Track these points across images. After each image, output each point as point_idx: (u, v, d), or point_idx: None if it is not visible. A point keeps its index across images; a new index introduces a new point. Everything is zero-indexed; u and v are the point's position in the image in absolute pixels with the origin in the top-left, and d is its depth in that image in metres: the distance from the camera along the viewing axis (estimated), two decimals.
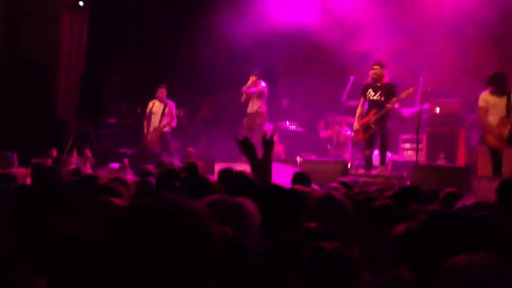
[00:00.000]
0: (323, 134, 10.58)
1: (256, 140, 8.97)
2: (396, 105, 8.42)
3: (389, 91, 8.30)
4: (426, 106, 9.41)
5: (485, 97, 7.73)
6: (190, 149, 9.54)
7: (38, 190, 2.65)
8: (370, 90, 8.43)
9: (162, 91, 9.92)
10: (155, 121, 9.82)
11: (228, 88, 10.51)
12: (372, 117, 8.31)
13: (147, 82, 11.81)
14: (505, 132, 7.59)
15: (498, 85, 7.64)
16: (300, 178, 4.96)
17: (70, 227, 1.95)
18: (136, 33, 12.04)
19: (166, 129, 9.84)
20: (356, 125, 8.57)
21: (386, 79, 8.44)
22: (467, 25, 10.33)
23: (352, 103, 9.24)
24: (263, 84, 9.85)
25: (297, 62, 12.59)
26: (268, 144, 3.76)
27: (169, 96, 10.05)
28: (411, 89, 8.27)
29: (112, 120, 10.83)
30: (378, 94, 8.34)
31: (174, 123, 9.97)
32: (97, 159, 8.60)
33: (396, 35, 10.63)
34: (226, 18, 11.11)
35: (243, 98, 9.87)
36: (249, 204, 2.16)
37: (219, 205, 2.09)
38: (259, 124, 9.68)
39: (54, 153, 7.35)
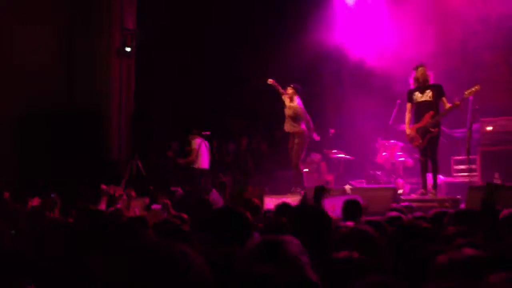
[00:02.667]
0: (379, 159, 10.28)
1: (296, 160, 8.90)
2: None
3: (438, 91, 7.87)
4: (476, 125, 9.14)
5: None
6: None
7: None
8: (416, 93, 8.02)
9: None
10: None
11: (279, 118, 10.39)
12: (429, 119, 7.85)
13: (196, 119, 12.09)
14: None
15: None
16: (350, 206, 4.90)
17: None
18: (182, 71, 12.39)
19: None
20: (409, 131, 8.08)
21: (431, 81, 8.06)
22: None
23: (400, 127, 9.07)
24: (299, 103, 9.05)
25: (343, 88, 12.55)
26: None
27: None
28: (477, 86, 7.72)
29: (163, 160, 11.07)
30: (426, 95, 7.94)
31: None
32: (150, 198, 8.77)
33: (441, 54, 10.48)
34: (279, 48, 11.27)
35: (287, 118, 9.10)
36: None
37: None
38: (298, 143, 9.02)
39: (110, 190, 7.44)
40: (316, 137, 9.35)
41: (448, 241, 2.97)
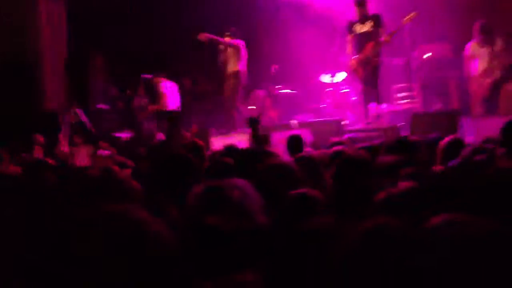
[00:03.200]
0: (325, 93, 10.33)
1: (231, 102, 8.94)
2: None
3: (378, 21, 7.97)
4: (415, 53, 9.30)
5: (473, 47, 7.91)
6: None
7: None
8: (356, 24, 8.11)
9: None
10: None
11: (215, 55, 10.20)
12: (370, 50, 7.96)
13: (134, 62, 11.69)
14: (487, 82, 7.70)
15: (484, 34, 7.69)
16: (293, 141, 4.95)
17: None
18: (117, 10, 11.82)
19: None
20: (352, 63, 8.20)
21: (370, 12, 8.12)
22: None
23: (342, 59, 9.10)
24: (238, 41, 9.18)
25: (278, 22, 12.36)
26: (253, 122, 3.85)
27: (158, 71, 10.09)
28: (413, 13, 7.86)
29: (103, 105, 10.73)
30: (366, 25, 8.02)
31: None
32: (93, 145, 8.54)
33: None
34: None
35: (220, 59, 9.29)
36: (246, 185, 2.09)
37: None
38: (235, 84, 9.11)
39: (41, 139, 7.23)
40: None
41: (387, 172, 3.02)
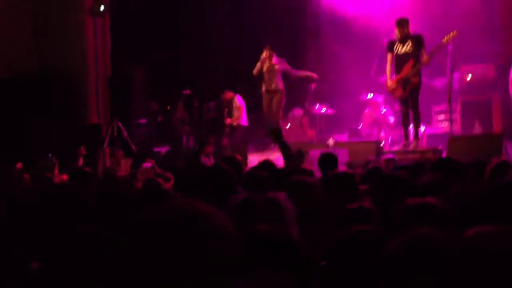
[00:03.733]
0: (363, 114, 10.31)
1: (276, 118, 9.00)
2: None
3: (419, 42, 7.85)
4: (456, 74, 9.16)
5: None
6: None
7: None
8: (397, 44, 8.02)
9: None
10: None
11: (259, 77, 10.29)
12: (410, 69, 7.85)
13: (175, 78, 11.92)
14: None
15: None
16: (326, 159, 4.93)
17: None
18: (158, 29, 12.13)
19: None
20: (390, 83, 8.09)
21: (411, 33, 8.02)
22: None
23: (382, 79, 9.06)
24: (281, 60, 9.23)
25: (322, 43, 12.43)
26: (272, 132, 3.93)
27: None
28: (454, 32, 7.71)
29: (143, 120, 10.96)
30: (407, 46, 7.92)
31: None
32: (132, 160, 8.72)
33: (421, 5, 10.39)
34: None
35: (255, 70, 9.19)
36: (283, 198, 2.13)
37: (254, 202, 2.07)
38: (279, 100, 9.14)
39: (83, 151, 7.46)
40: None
41: (432, 190, 3.00)
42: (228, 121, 10.26)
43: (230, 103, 10.28)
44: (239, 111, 10.05)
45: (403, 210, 2.26)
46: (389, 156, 7.64)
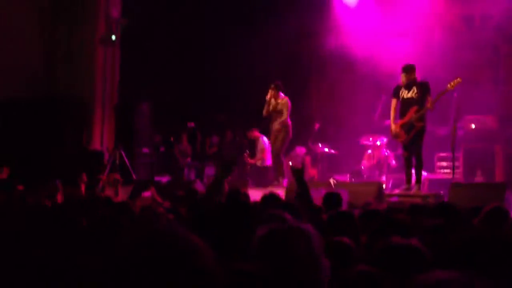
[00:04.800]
0: (365, 156, 10.34)
1: (277, 152, 9.00)
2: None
3: (424, 89, 7.90)
4: (459, 123, 9.22)
5: None
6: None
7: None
8: (402, 89, 8.06)
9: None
10: None
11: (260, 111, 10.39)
12: (413, 115, 7.88)
13: (180, 110, 12.04)
14: None
15: None
16: (331, 198, 4.93)
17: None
18: (167, 61, 12.32)
19: None
20: (394, 127, 8.12)
21: (418, 79, 8.05)
22: (499, 37, 10.20)
23: (385, 122, 9.11)
24: (286, 98, 9.25)
25: (328, 83, 12.59)
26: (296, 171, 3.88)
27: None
28: (458, 79, 7.75)
29: (146, 150, 11.01)
30: (412, 92, 7.95)
31: None
32: (133, 188, 8.70)
33: (427, 52, 10.54)
34: (256, 41, 11.29)
35: (264, 111, 9.29)
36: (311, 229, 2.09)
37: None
38: (284, 137, 9.14)
39: (85, 178, 7.47)
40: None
41: (431, 234, 3.00)
42: (250, 160, 10.23)
43: (254, 142, 10.32)
44: (263, 152, 10.05)
45: (385, 248, 2.27)
46: (395, 199, 7.62)
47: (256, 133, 10.22)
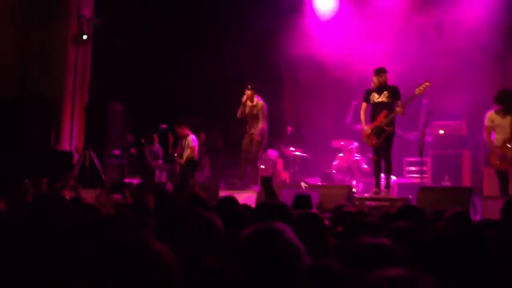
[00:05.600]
0: (337, 159, 10.38)
1: (254, 158, 8.91)
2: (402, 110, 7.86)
3: (395, 93, 7.98)
4: (428, 128, 9.36)
5: (491, 116, 7.59)
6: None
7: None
8: (373, 93, 8.13)
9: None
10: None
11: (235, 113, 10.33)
12: (383, 119, 7.95)
13: (152, 111, 11.94)
14: (510, 153, 7.44)
15: (503, 103, 7.51)
16: (300, 200, 4.95)
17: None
18: (139, 62, 12.22)
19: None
20: (366, 130, 8.14)
21: (388, 82, 8.15)
22: (469, 45, 10.39)
23: (357, 127, 9.20)
24: (261, 101, 9.06)
25: (301, 87, 12.65)
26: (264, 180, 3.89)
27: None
28: (426, 84, 7.79)
29: (117, 151, 10.88)
30: (383, 96, 8.04)
31: None
32: (104, 189, 8.59)
33: (398, 58, 10.68)
34: (228, 42, 11.28)
35: (239, 113, 9.09)
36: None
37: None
38: (260, 141, 8.97)
39: (44, 181, 7.34)
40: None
41: (398, 237, 3.04)
42: (179, 160, 9.94)
43: (182, 139, 10.03)
44: (193, 151, 9.83)
45: (356, 247, 2.29)
46: (372, 204, 7.70)
47: (186, 131, 9.94)
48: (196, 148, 9.81)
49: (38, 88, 10.51)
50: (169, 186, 8.80)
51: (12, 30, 10.77)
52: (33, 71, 10.71)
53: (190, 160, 9.71)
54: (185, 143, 9.83)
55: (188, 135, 9.85)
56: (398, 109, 7.94)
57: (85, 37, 11.10)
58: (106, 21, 11.19)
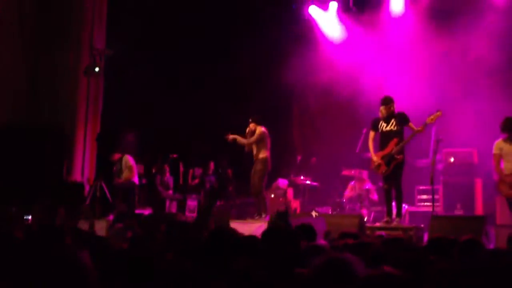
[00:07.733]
0: (347, 188, 10.37)
1: (257, 187, 8.84)
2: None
3: (402, 119, 7.95)
4: (439, 156, 9.30)
5: (499, 144, 7.55)
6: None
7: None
8: (381, 122, 8.09)
9: None
10: None
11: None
12: (394, 146, 7.90)
13: (161, 142, 12.02)
14: None
15: (511, 131, 7.48)
16: (303, 230, 4.88)
17: None
18: (151, 91, 12.36)
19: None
20: (375, 159, 8.09)
21: (396, 111, 8.08)
22: (479, 71, 10.40)
23: (367, 155, 9.16)
24: (263, 129, 8.96)
25: (310, 115, 12.69)
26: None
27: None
28: (438, 113, 7.75)
29: None
30: (391, 124, 8.00)
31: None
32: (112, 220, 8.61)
33: (408, 85, 10.71)
34: (237, 73, 11.37)
35: (246, 148, 9.06)
36: None
37: None
38: (262, 170, 8.82)
39: (62, 212, 7.37)
40: None
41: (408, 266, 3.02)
42: (119, 180, 9.98)
43: (119, 162, 10.06)
44: (131, 170, 9.86)
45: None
46: (382, 233, 7.62)
47: (117, 155, 9.98)
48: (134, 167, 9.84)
49: (49, 118, 10.65)
50: (180, 217, 8.81)
51: (23, 60, 10.95)
52: (44, 101, 10.87)
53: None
54: (122, 164, 9.90)
55: (121, 156, 9.94)
56: (407, 137, 7.91)
57: (97, 69, 11.26)
58: (119, 52, 11.35)
